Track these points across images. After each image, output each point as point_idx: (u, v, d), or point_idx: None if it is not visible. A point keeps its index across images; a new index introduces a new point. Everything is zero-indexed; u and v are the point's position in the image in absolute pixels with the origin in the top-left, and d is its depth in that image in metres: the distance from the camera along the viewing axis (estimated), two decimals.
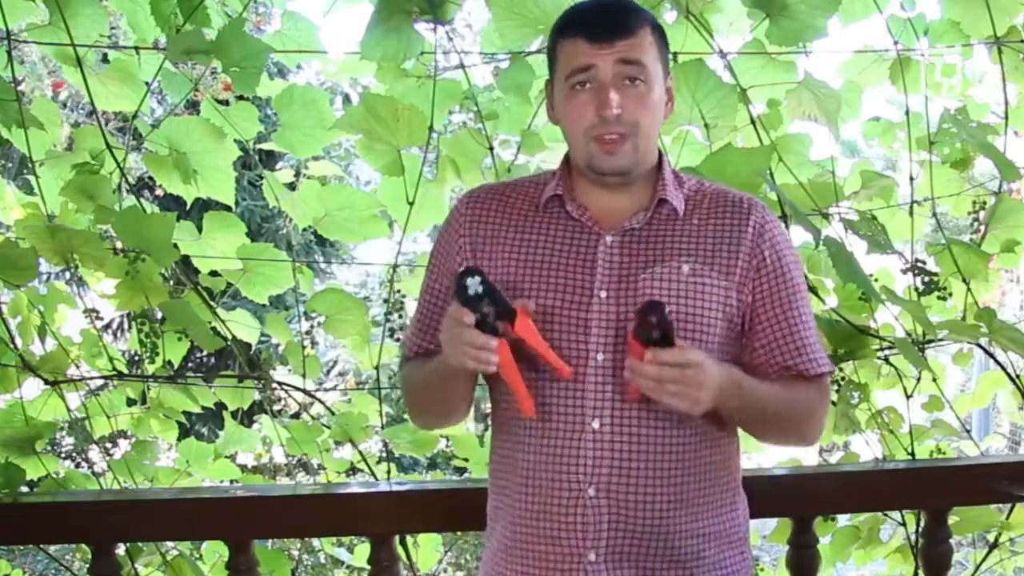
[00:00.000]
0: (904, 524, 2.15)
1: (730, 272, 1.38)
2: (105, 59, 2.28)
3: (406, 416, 2.41)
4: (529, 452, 1.35)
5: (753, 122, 2.00)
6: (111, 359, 2.17)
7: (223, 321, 2.16)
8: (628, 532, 1.33)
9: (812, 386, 1.44)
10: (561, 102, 1.38)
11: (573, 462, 1.32)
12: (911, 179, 2.13)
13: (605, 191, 1.40)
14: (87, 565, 1.93)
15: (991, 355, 2.25)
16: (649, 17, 1.38)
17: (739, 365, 1.39)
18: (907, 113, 2.10)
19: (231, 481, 2.42)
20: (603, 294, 1.34)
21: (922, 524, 2.05)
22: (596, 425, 1.32)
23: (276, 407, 2.96)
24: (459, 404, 1.48)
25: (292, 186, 2.41)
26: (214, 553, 2.28)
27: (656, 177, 1.41)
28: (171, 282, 2.15)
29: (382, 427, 2.23)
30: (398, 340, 2.14)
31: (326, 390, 2.39)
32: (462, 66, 2.07)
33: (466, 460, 2.25)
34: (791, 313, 1.41)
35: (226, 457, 2.38)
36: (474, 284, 1.25)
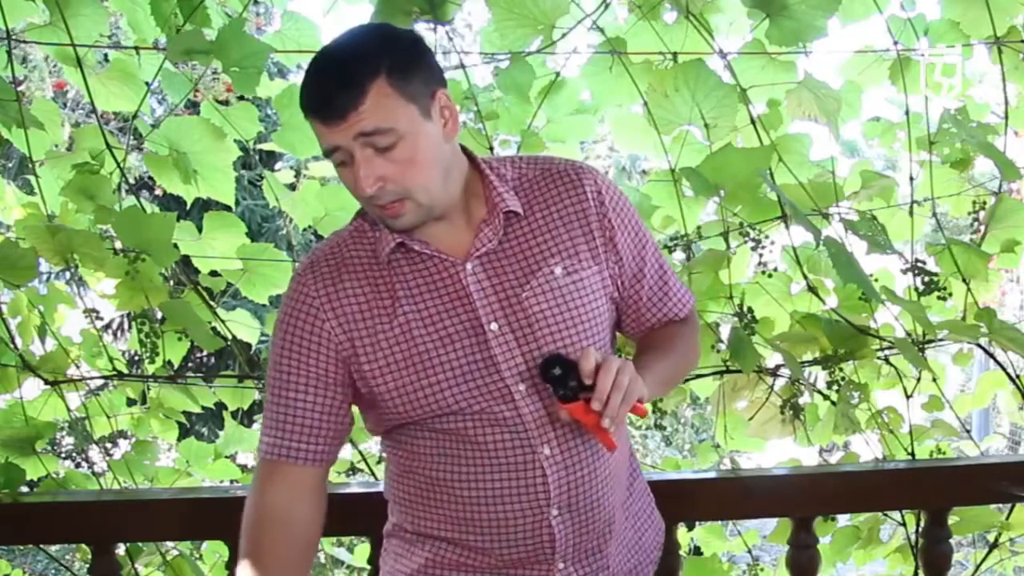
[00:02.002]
0: (904, 524, 2.15)
1: (595, 255, 1.36)
2: (105, 59, 2.28)
3: None
4: (475, 488, 1.32)
5: (753, 122, 2.00)
6: (111, 359, 2.17)
7: (223, 321, 2.17)
8: (590, 533, 1.36)
9: (683, 324, 1.49)
10: (338, 174, 1.29)
11: (533, 491, 1.31)
12: (911, 179, 2.13)
13: (437, 224, 1.31)
14: (87, 565, 1.93)
15: (991, 355, 2.25)
16: (380, 60, 1.20)
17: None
18: (907, 113, 2.10)
19: (231, 481, 2.42)
20: (494, 327, 1.29)
21: (922, 524, 2.05)
22: (547, 451, 1.30)
23: None
24: None
25: (292, 187, 2.41)
26: (214, 553, 2.28)
27: (480, 186, 1.34)
28: (171, 282, 2.15)
29: None
30: None
31: None
32: (462, 66, 2.07)
33: None
34: (648, 266, 1.43)
35: (226, 457, 2.38)
36: (559, 368, 1.24)
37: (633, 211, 1.43)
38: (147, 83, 2.14)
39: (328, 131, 1.21)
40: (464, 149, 1.36)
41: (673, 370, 1.44)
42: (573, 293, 1.32)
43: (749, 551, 2.33)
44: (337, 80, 1.20)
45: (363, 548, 2.36)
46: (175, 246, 2.01)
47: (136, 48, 2.18)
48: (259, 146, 2.35)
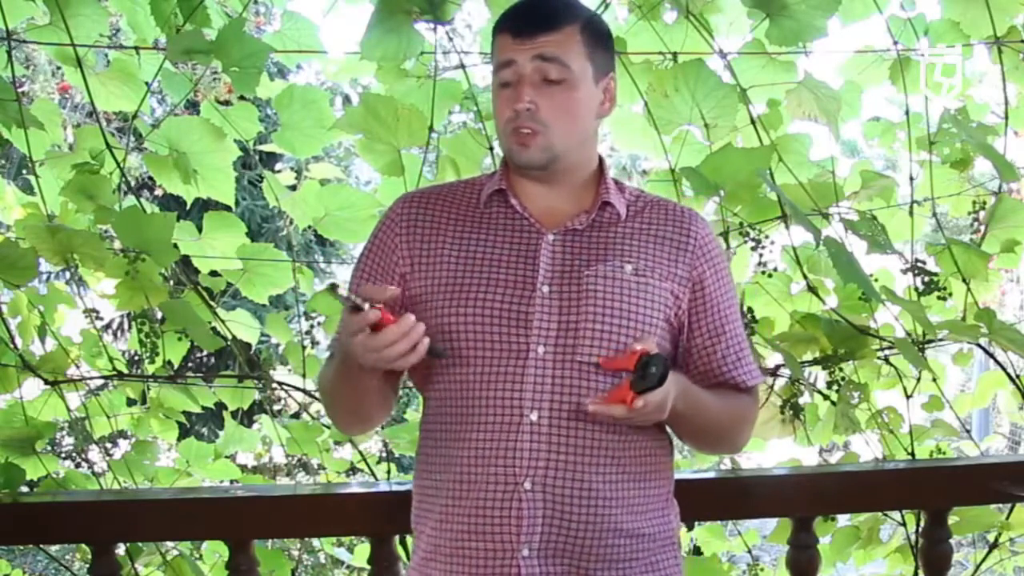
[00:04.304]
0: (904, 524, 2.15)
1: (671, 277, 1.40)
2: (106, 59, 2.28)
3: (406, 416, 2.42)
4: (464, 448, 1.34)
5: (753, 122, 2.00)
6: (111, 359, 2.17)
7: (223, 321, 2.16)
8: (563, 527, 1.32)
9: (745, 396, 1.48)
10: (493, 98, 1.39)
11: (510, 455, 1.31)
12: (911, 179, 2.13)
13: (545, 189, 1.40)
14: (87, 565, 1.93)
15: (991, 355, 2.26)
16: (582, 16, 1.38)
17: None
18: (907, 113, 2.11)
19: (231, 481, 2.42)
20: (545, 289, 1.35)
21: (922, 524, 2.05)
22: (534, 417, 1.31)
23: (276, 407, 2.95)
24: (373, 406, 1.44)
25: (292, 187, 2.41)
26: (214, 553, 2.28)
27: (598, 181, 1.43)
28: (171, 282, 2.15)
29: (382, 427, 2.23)
30: None
31: None
32: (462, 66, 2.07)
33: None
34: (728, 327, 1.45)
35: (226, 457, 2.38)
36: (655, 368, 1.26)
37: (729, 276, 1.48)
38: (147, 83, 2.14)
39: (513, 44, 1.34)
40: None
41: (715, 411, 1.42)
42: (632, 291, 1.36)
43: (749, 551, 2.33)
44: (544, 8, 1.36)
45: (363, 548, 2.36)
46: (175, 246, 2.01)
47: (136, 48, 2.18)
48: (259, 146, 2.35)
